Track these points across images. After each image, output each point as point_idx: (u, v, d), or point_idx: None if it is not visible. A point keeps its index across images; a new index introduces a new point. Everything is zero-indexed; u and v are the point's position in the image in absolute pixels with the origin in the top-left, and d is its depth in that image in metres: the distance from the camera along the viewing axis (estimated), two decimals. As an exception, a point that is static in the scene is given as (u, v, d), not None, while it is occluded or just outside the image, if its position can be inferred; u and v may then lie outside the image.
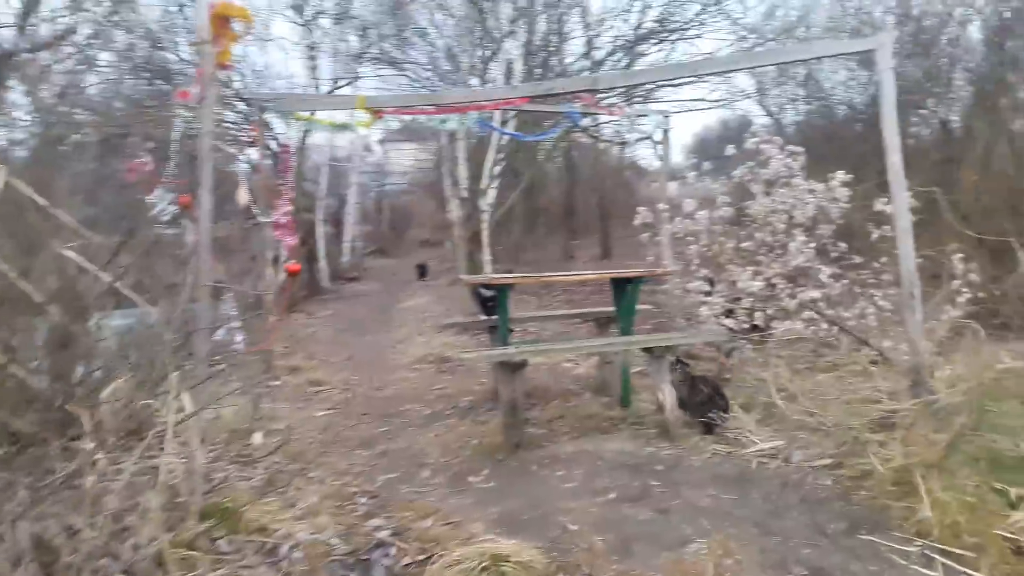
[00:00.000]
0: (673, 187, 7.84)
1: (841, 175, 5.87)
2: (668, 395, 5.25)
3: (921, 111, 11.12)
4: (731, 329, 5.27)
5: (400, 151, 39.16)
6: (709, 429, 5.23)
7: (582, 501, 4.33)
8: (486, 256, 11.12)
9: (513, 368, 5.09)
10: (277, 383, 7.69)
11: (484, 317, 6.50)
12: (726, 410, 5.25)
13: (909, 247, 4.72)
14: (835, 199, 5.93)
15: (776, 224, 5.99)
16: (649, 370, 5.34)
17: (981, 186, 7.93)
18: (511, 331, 7.19)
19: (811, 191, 6.05)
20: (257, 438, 5.50)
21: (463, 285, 5.62)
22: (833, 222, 5.96)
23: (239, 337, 7.15)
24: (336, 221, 21.44)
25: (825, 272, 5.36)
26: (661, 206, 6.66)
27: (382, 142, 41.40)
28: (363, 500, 4.75)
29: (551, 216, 23.20)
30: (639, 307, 6.25)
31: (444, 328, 6.81)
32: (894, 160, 4.77)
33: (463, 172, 11.66)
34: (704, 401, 5.30)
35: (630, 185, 26.39)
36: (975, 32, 10.98)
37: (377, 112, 6.72)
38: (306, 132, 12.63)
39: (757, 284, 5.29)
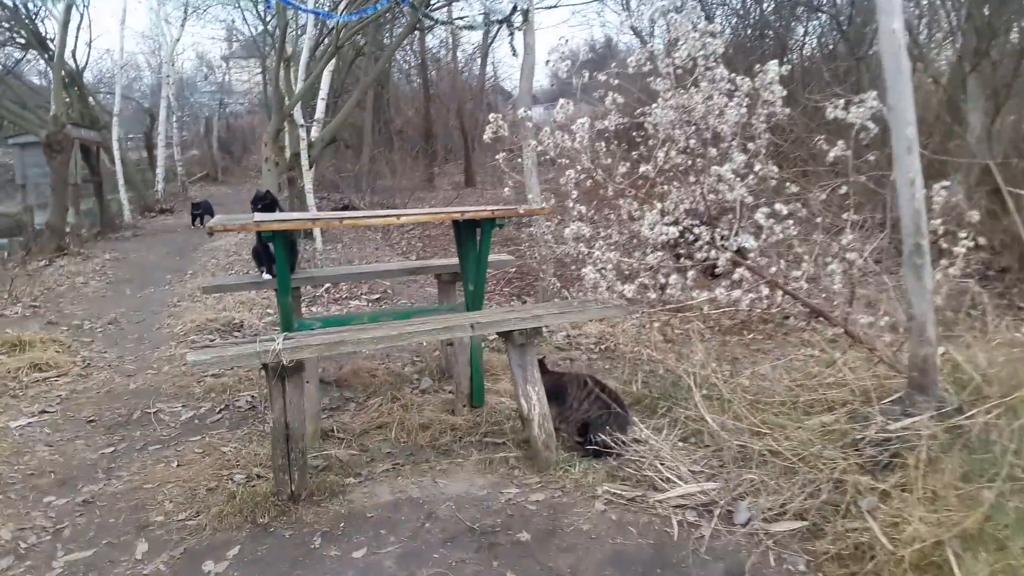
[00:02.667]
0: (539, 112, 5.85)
1: (775, 67, 4.03)
2: (536, 402, 3.37)
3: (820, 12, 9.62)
4: (629, 299, 3.39)
5: (242, 68, 35.05)
6: (597, 453, 3.42)
7: (388, 628, 2.40)
8: (308, 184, 8.79)
9: (282, 374, 3.03)
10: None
11: (267, 276, 4.36)
12: (624, 428, 3.45)
13: (914, 173, 2.98)
14: (766, 102, 4.08)
15: (682, 140, 4.13)
16: (511, 362, 3.42)
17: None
18: (297, 291, 5.05)
19: (732, 91, 4.18)
20: None
21: (209, 232, 3.35)
22: (765, 136, 4.14)
23: None
24: (150, 144, 18.11)
25: (761, 211, 3.58)
26: (522, 112, 4.65)
27: (225, 58, 37.00)
28: (4, 622, 2.67)
29: (408, 140, 20.76)
30: (494, 259, 4.30)
31: (217, 289, 4.62)
32: (892, 27, 2.97)
33: (282, 78, 9.12)
34: (588, 417, 3.48)
35: (494, 107, 24.29)
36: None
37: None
38: (67, 12, 9.56)
39: (672, 229, 3.41)
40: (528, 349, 3.35)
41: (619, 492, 3.12)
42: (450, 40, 23.48)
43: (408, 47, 20.95)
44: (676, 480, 3.10)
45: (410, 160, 18.85)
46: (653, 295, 3.25)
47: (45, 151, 9.44)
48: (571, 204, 3.78)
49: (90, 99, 14.13)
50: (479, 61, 23.21)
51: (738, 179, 3.91)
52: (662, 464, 3.19)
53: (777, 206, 3.76)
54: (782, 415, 3.31)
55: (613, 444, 3.45)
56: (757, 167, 3.90)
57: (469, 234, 3.95)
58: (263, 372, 3.07)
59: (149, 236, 11.95)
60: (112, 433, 4.23)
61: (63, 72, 11.06)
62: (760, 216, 3.68)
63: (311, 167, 8.88)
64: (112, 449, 4.01)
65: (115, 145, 13.61)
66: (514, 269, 7.37)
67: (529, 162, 5.52)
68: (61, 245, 9.54)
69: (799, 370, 3.71)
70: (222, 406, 4.52)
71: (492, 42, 22.94)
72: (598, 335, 5.66)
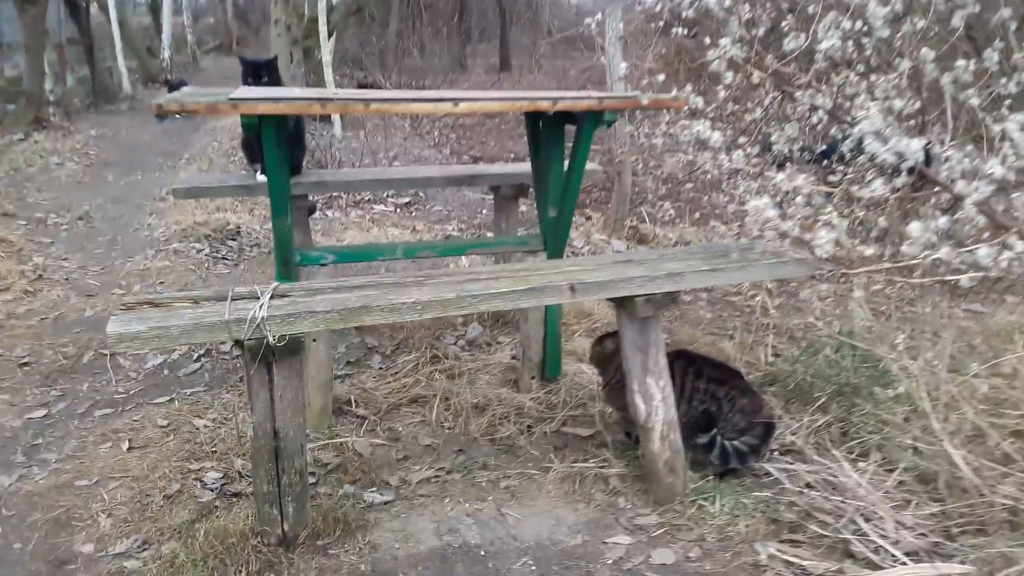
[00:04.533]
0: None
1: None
2: (661, 404, 2.19)
3: None
4: (819, 256, 2.13)
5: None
6: (729, 468, 2.30)
7: None
8: (326, 56, 7.37)
9: (268, 356, 1.85)
10: None
11: (261, 178, 3.14)
12: (770, 431, 2.32)
13: None
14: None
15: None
16: (623, 341, 2.22)
17: None
18: (312, 212, 3.79)
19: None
20: None
21: (159, 114, 2.07)
22: None
23: None
24: (155, 6, 16.40)
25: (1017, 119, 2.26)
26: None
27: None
28: None
29: (439, 14, 18.82)
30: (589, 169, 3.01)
31: (192, 193, 3.38)
32: None
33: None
34: (713, 408, 2.33)
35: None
36: None
37: None
38: None
39: (915, 143, 2.09)
40: (653, 324, 2.15)
41: (796, 560, 1.98)
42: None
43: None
44: (889, 549, 1.95)
45: (442, 38, 17.05)
46: (871, 250, 1.99)
47: (15, 0, 8.01)
48: (714, 95, 2.47)
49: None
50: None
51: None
52: (859, 513, 2.04)
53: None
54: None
55: (757, 455, 2.33)
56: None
57: (555, 134, 2.66)
58: (244, 352, 1.89)
59: (147, 111, 10.61)
60: (50, 385, 3.11)
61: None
62: (1014, 126, 2.34)
63: (331, 36, 7.45)
64: (44, 412, 2.89)
65: (111, 1, 12.02)
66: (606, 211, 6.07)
67: (613, 34, 4.14)
68: (40, 116, 8.25)
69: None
70: (202, 350, 3.39)
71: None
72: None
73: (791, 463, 2.43)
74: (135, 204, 5.75)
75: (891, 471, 2.22)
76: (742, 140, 2.90)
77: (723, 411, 2.32)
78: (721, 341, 3.32)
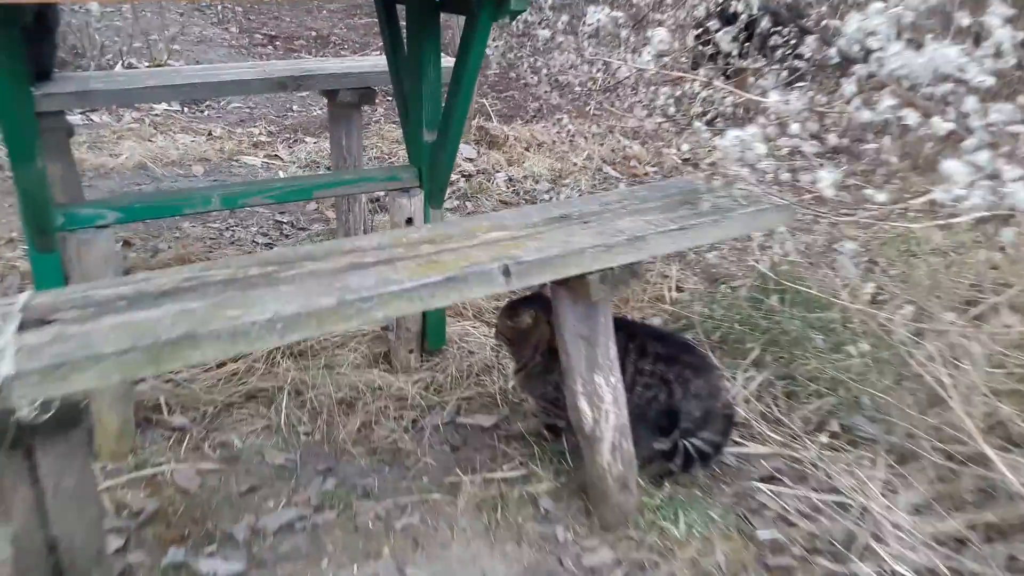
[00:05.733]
0: None
1: None
2: (612, 406, 1.65)
3: None
4: (798, 195, 1.62)
5: None
6: (687, 463, 1.84)
7: None
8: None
9: (23, 440, 1.07)
10: None
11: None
12: (728, 429, 1.87)
13: None
14: None
15: None
16: (561, 329, 1.63)
17: None
18: (71, 135, 2.78)
19: None
20: None
21: None
22: None
23: None
24: None
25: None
26: None
27: None
28: None
29: None
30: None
31: None
32: None
33: None
34: (675, 402, 1.82)
35: None
36: None
37: None
38: None
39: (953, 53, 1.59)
40: (604, 307, 1.57)
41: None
42: None
43: None
44: (900, 571, 1.59)
45: None
46: (883, 196, 1.51)
47: None
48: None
49: None
50: None
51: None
52: (848, 515, 1.67)
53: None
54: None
55: (720, 451, 1.89)
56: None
57: (428, 26, 1.90)
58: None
59: None
60: None
61: None
62: (997, 20, 1.91)
63: None
64: None
65: None
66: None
67: None
68: None
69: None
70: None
71: None
72: (551, 176, 3.90)
73: (740, 440, 2.03)
74: None
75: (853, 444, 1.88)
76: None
77: (675, 397, 1.82)
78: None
